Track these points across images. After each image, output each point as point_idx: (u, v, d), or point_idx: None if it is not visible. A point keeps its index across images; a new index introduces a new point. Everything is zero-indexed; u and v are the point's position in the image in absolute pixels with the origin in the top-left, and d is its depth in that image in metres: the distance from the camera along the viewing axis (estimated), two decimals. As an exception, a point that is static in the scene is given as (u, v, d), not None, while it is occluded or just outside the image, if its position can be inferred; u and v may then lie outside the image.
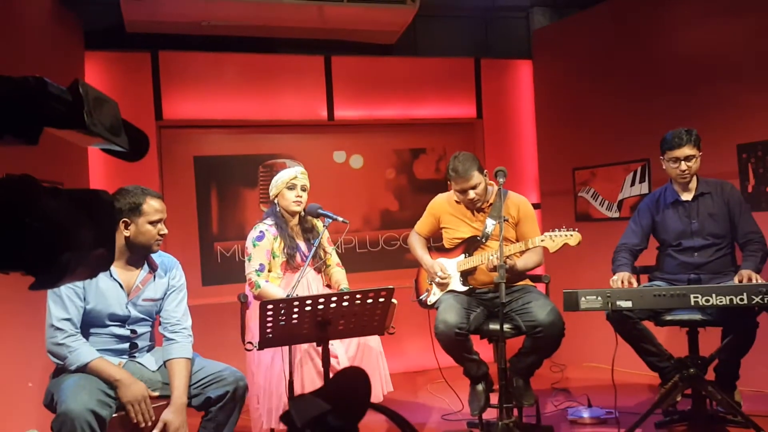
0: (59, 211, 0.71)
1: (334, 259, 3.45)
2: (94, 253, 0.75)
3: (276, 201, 3.27)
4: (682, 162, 3.17)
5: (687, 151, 3.16)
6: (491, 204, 3.31)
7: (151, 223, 2.45)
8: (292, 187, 3.24)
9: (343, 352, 3.05)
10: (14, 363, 3.03)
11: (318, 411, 0.60)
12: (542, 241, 3.01)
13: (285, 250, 3.20)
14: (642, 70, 4.42)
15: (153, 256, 2.57)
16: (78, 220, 0.73)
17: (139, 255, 2.53)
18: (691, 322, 3.07)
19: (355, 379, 0.66)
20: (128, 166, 4.24)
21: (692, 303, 2.71)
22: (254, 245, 3.17)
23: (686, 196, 3.29)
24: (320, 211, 3.16)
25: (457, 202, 3.38)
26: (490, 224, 3.28)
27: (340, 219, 3.06)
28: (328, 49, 4.80)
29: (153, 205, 2.46)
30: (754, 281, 2.87)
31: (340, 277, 3.38)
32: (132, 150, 0.77)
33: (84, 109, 0.71)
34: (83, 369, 2.29)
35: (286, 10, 4.12)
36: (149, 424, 2.30)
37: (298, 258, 3.23)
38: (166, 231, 2.50)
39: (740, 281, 2.90)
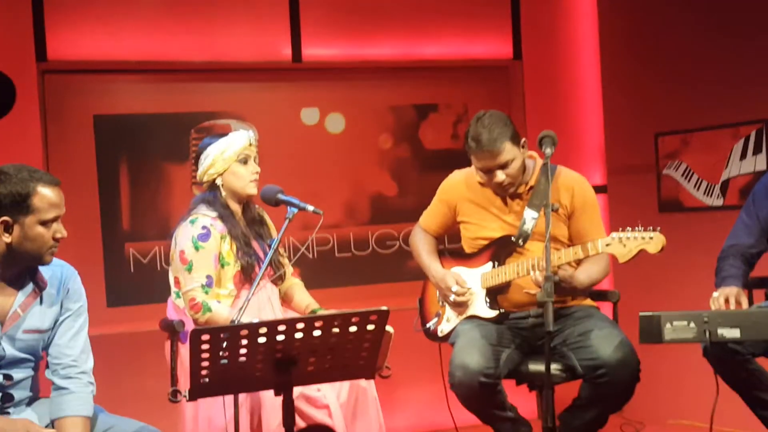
0: None
1: (289, 268, 3.46)
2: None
3: (219, 182, 3.26)
4: None
5: None
6: (532, 187, 3.31)
7: (44, 223, 2.43)
8: (245, 160, 3.24)
9: (335, 398, 3.04)
10: None
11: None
12: (608, 245, 3.01)
13: (239, 254, 3.20)
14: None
15: (41, 268, 2.57)
16: None
17: (21, 269, 2.52)
18: (828, 359, 3.09)
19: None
20: (-4, 130, 4.22)
21: (829, 332, 2.73)
22: (197, 247, 3.16)
23: (824, 175, 3.30)
24: (281, 196, 3.15)
25: (481, 183, 3.38)
26: (531, 218, 3.27)
27: (310, 208, 3.06)
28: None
29: (47, 197, 2.43)
30: None
31: (304, 296, 3.40)
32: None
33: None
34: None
35: None
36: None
37: (257, 269, 3.22)
38: (64, 233, 2.46)
39: None
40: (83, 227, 4.50)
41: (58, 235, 2.46)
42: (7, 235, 2.40)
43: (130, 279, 4.61)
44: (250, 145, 3.26)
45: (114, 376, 4.20)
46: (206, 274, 3.14)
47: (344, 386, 3.10)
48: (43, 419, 2.54)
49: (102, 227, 4.58)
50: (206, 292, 3.12)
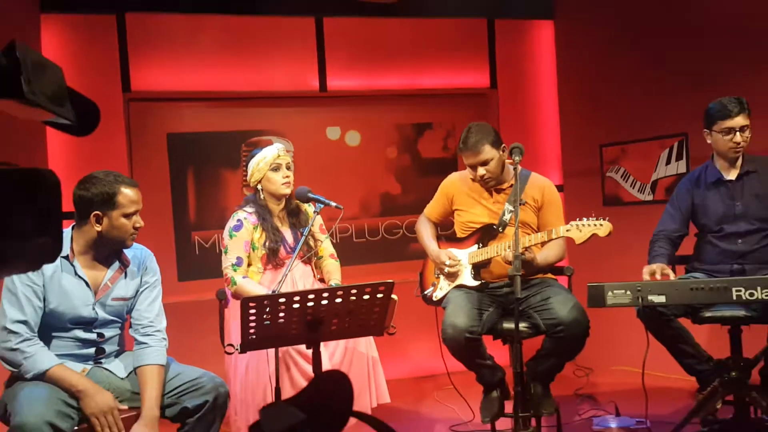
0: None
1: (327, 249, 3.45)
2: (36, 242, 0.74)
3: (259, 187, 3.26)
4: (737, 133, 3.15)
5: (741, 120, 3.14)
6: (512, 185, 3.30)
7: (126, 216, 2.44)
8: (277, 168, 3.24)
9: (327, 358, 3.04)
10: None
11: (292, 421, 0.59)
12: (567, 231, 2.99)
13: (266, 244, 3.20)
14: (681, 32, 4.37)
15: (125, 250, 2.57)
16: (15, 204, 0.72)
17: (110, 251, 2.52)
18: (734, 319, 3.06)
19: (336, 385, 0.65)
20: (92, 147, 4.25)
21: (734, 297, 2.70)
22: (231, 236, 3.18)
23: (730, 175, 3.27)
24: (310, 194, 3.15)
25: (472, 179, 3.38)
26: (508, 210, 3.27)
27: (333, 204, 3.05)
28: (320, 9, 4.76)
29: (128, 196, 2.45)
30: None
31: (332, 270, 3.38)
32: (79, 123, 0.76)
33: (21, 76, 0.69)
34: (41, 377, 2.29)
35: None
36: (119, 438, 2.31)
37: (283, 252, 3.23)
38: (141, 224, 2.50)
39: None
40: (160, 219, 4.51)
41: (137, 225, 2.48)
42: (98, 225, 2.41)
43: (195, 259, 4.60)
44: (279, 155, 3.26)
45: (183, 335, 4.20)
46: (237, 255, 3.16)
47: (339, 348, 3.09)
48: (128, 368, 2.55)
49: (174, 219, 4.58)
50: (235, 270, 3.15)
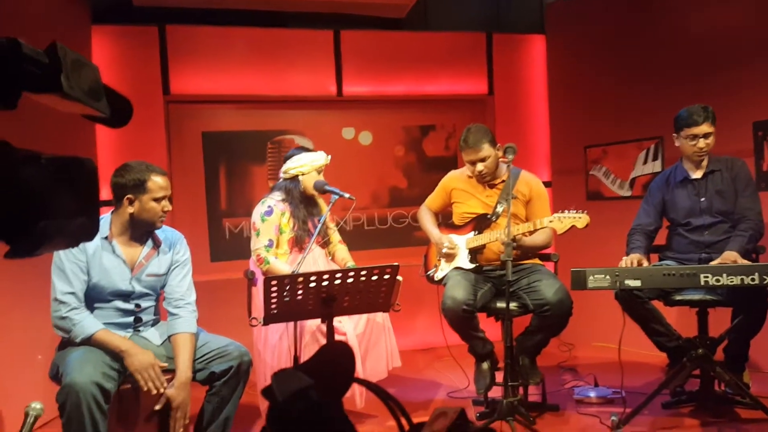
0: (37, 178, 0.69)
1: (336, 236, 3.44)
2: (75, 222, 0.73)
3: (300, 178, 3.24)
4: (701, 139, 3.12)
5: (705, 128, 3.11)
6: (504, 181, 3.27)
7: (156, 200, 2.44)
8: (320, 172, 3.26)
9: (352, 329, 3.05)
10: (23, 336, 3.06)
11: (299, 385, 0.58)
12: (550, 222, 2.97)
13: (295, 229, 3.18)
14: (657, 46, 4.33)
15: (157, 231, 2.57)
16: (58, 187, 0.71)
17: (143, 231, 2.52)
18: (701, 302, 3.03)
19: (339, 354, 0.64)
20: (136, 143, 4.25)
21: (702, 283, 2.67)
22: (263, 220, 3.17)
23: (696, 174, 3.23)
24: (327, 187, 3.14)
25: (469, 176, 3.36)
26: (501, 203, 3.24)
27: (347, 195, 3.04)
28: (338, 23, 4.73)
29: (157, 182, 2.45)
30: (739, 263, 2.81)
31: (345, 255, 3.38)
32: (114, 117, 0.75)
33: (61, 72, 0.68)
34: (88, 341, 2.30)
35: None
36: (161, 390, 2.31)
37: (307, 238, 3.22)
38: (170, 208, 2.50)
39: (722, 264, 2.84)
40: (194, 207, 4.52)
41: (166, 209, 2.48)
42: (130, 207, 2.41)
43: (226, 243, 4.60)
44: (326, 163, 3.30)
45: (215, 309, 4.21)
46: (269, 238, 3.14)
47: (361, 321, 3.09)
48: (163, 336, 2.56)
49: (207, 207, 4.57)
50: (267, 250, 3.13)
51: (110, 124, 0.75)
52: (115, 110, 0.75)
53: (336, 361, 0.64)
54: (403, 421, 0.67)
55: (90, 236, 0.78)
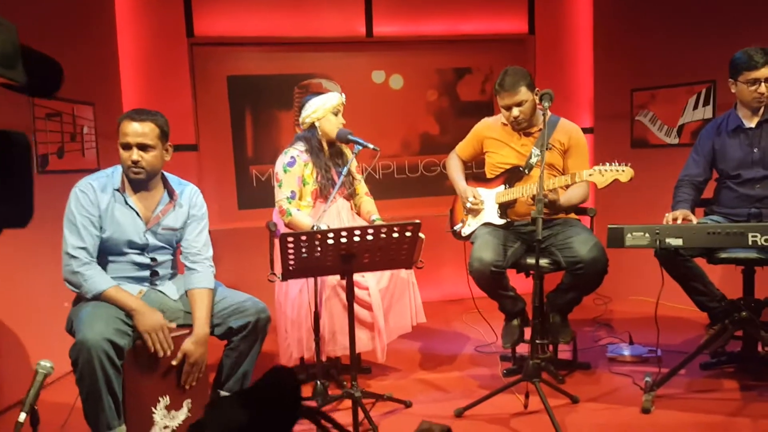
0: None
1: (362, 188, 3.33)
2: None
3: (317, 124, 3.12)
4: (762, 84, 2.86)
5: (766, 71, 2.84)
6: (540, 129, 3.08)
7: (123, 147, 2.34)
8: (336, 113, 3.12)
9: (375, 283, 2.99)
10: (45, 286, 3.07)
11: (236, 422, 0.48)
12: (590, 175, 2.78)
13: (319, 179, 3.08)
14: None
15: (173, 184, 2.50)
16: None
17: (156, 184, 2.45)
18: (748, 261, 2.85)
19: (284, 378, 0.54)
20: (161, 86, 4.17)
21: (750, 242, 2.49)
22: (285, 171, 3.07)
23: (751, 123, 2.98)
24: (350, 137, 3.02)
25: (504, 124, 3.18)
26: (535, 153, 3.06)
27: (371, 146, 2.91)
28: (368, -41, 4.51)
29: (125, 127, 2.33)
30: None
31: (371, 208, 3.27)
32: (34, 85, 0.63)
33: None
34: (98, 297, 2.27)
35: None
36: (168, 353, 2.29)
37: (331, 188, 3.11)
38: (136, 158, 2.32)
39: None
40: (221, 155, 4.46)
41: (134, 159, 2.33)
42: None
43: (253, 190, 4.55)
44: (342, 103, 3.13)
45: (242, 257, 4.20)
46: (291, 189, 3.05)
47: (385, 276, 3.03)
48: (180, 290, 2.53)
49: (234, 154, 4.51)
50: (290, 202, 3.04)
51: (30, 93, 0.64)
52: (38, 78, 0.63)
53: (281, 385, 0.54)
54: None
55: (21, 222, 0.68)
